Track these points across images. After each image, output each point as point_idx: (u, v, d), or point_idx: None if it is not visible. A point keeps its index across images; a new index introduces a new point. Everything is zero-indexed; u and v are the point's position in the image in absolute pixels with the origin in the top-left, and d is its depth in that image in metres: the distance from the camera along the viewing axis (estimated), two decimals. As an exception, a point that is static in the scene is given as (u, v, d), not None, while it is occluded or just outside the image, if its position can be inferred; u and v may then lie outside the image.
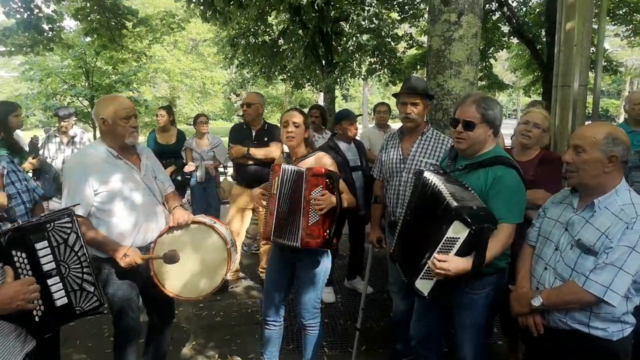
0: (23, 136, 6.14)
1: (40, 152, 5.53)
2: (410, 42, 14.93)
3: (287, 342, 3.63)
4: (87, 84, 15.32)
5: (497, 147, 2.31)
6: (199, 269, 2.67)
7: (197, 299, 2.76)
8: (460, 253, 1.98)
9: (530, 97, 19.92)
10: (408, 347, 3.18)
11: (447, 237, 1.99)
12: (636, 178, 3.73)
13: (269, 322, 3.02)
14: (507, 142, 6.67)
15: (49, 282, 1.73)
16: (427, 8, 5.51)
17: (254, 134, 4.45)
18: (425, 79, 4.01)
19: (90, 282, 1.86)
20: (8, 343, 1.65)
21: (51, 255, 1.74)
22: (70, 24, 12.76)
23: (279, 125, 4.95)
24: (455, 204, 1.96)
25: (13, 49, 8.29)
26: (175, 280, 2.64)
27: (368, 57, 13.44)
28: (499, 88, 18.27)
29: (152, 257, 2.58)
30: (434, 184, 2.15)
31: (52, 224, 1.75)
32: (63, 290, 1.77)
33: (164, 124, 5.87)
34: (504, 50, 17.51)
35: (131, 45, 12.27)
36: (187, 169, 5.71)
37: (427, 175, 2.23)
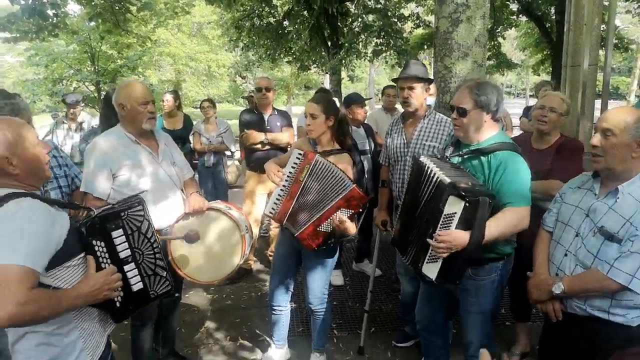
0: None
1: (48, 137, 5.59)
2: (417, 21, 14.72)
3: (296, 324, 3.69)
4: (92, 68, 15.31)
5: (499, 133, 2.29)
6: (213, 254, 2.71)
7: (212, 282, 2.82)
8: (460, 228, 2.03)
9: (539, 75, 19.66)
10: (416, 329, 3.23)
11: (444, 214, 2.02)
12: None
13: (275, 307, 3.06)
14: (515, 121, 6.62)
15: (126, 268, 1.78)
16: (435, -12, 5.43)
17: (266, 119, 4.44)
18: (432, 59, 3.97)
19: (162, 267, 1.91)
20: (95, 326, 1.74)
21: (126, 243, 1.78)
22: (74, 7, 12.69)
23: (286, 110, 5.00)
24: (448, 180, 2.01)
25: (18, 35, 8.28)
26: (191, 263, 2.69)
27: (374, 38, 13.27)
28: (507, 67, 18.03)
29: (170, 237, 2.62)
30: (429, 167, 2.18)
31: (126, 212, 1.79)
32: (139, 276, 1.82)
33: (169, 109, 5.87)
34: (513, 28, 17.22)
35: (136, 29, 12.20)
36: (207, 163, 5.68)
37: (423, 159, 2.27)
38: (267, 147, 4.40)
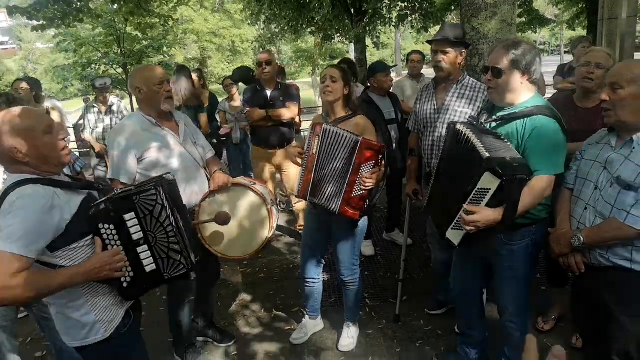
0: (63, 106, 6.35)
1: (80, 122, 5.75)
2: (443, -19, 14.15)
3: (329, 295, 3.74)
4: (119, 51, 15.50)
5: (535, 96, 2.19)
6: (242, 229, 2.75)
7: (243, 257, 2.86)
8: (491, 204, 1.96)
9: (574, 30, 18.71)
10: (448, 296, 3.23)
11: (477, 188, 1.97)
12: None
13: (307, 280, 3.11)
14: (548, 79, 6.34)
15: (139, 250, 1.84)
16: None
17: (269, 95, 4.40)
18: (460, 22, 3.83)
19: (176, 251, 1.94)
20: (109, 300, 1.85)
21: (139, 226, 1.83)
22: (96, -9, 12.77)
23: (293, 84, 4.97)
24: (486, 154, 1.92)
25: (45, 23, 8.40)
26: (222, 241, 2.74)
27: (398, 2, 12.84)
28: (540, 24, 17.21)
29: (200, 222, 2.67)
30: (466, 135, 2.10)
31: (138, 196, 1.83)
32: (152, 258, 1.88)
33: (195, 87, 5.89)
34: (545, -18, 16.35)
35: (157, 9, 12.21)
36: (222, 131, 5.76)
37: (460, 127, 2.18)
38: (271, 123, 4.36)
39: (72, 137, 7.54)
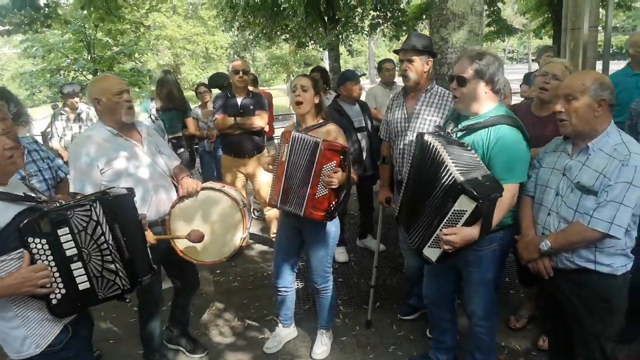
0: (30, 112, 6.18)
1: (48, 129, 5.59)
2: (414, -9, 14.40)
3: (303, 302, 3.74)
4: (89, 57, 15.20)
5: (499, 106, 2.27)
6: (216, 233, 2.73)
7: (220, 261, 2.83)
8: (467, 224, 2.02)
9: (541, 39, 19.26)
10: (420, 301, 3.27)
11: (454, 210, 2.02)
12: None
13: (280, 289, 3.10)
14: (514, 86, 6.53)
15: (72, 266, 1.78)
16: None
17: (239, 103, 4.39)
18: (429, 32, 3.92)
19: (110, 271, 1.86)
20: (40, 315, 1.78)
21: (72, 242, 1.77)
22: (65, -4, 12.51)
23: (262, 93, 4.99)
24: (461, 178, 1.97)
25: (11, 28, 8.18)
26: (195, 246, 2.71)
27: (370, 11, 13.00)
28: (508, 33, 17.65)
29: (172, 237, 2.65)
30: (436, 148, 2.14)
31: (72, 211, 1.76)
32: (85, 275, 1.81)
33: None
34: (513, -8, 16.81)
35: (129, 15, 12.04)
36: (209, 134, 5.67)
37: (428, 138, 2.22)
38: (240, 131, 4.35)
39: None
